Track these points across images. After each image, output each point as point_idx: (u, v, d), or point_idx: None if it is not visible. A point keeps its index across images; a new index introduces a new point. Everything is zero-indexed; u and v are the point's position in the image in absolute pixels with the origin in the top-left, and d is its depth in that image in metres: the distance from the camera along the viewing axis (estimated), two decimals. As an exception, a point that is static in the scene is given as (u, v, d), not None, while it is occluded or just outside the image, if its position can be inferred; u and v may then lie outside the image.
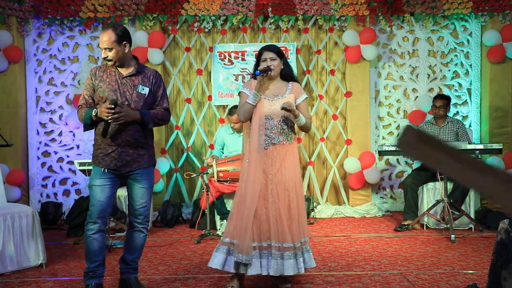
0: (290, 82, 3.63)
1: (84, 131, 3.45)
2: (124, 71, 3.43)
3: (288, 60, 3.76)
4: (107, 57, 3.35)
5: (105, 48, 3.34)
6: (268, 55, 3.54)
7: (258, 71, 3.45)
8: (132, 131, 3.37)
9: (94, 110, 3.31)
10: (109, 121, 3.25)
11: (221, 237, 3.57)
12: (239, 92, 3.67)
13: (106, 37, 3.32)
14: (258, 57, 3.60)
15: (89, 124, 3.37)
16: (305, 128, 3.62)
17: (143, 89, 3.42)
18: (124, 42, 3.37)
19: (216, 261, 3.48)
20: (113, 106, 3.21)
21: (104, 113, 3.22)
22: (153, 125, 3.45)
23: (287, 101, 3.46)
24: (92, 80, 3.43)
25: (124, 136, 3.36)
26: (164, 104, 3.52)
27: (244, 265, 3.41)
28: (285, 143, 3.51)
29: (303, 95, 3.61)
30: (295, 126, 3.63)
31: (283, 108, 3.40)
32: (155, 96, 3.50)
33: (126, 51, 3.40)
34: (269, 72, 3.49)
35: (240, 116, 3.58)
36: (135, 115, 3.34)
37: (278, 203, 3.44)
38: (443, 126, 5.70)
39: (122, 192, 5.35)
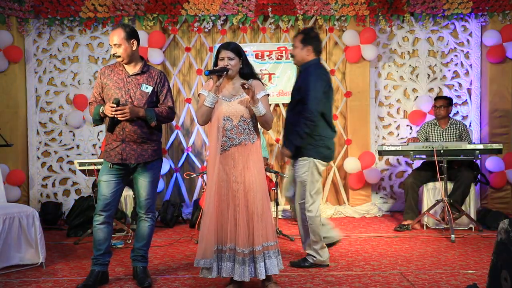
0: (250, 80, 3.42)
1: (93, 126, 3.74)
2: (131, 70, 3.66)
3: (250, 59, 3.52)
4: (116, 53, 3.58)
5: (115, 45, 3.58)
6: (225, 54, 3.38)
7: (207, 71, 3.32)
8: (136, 127, 3.58)
9: (102, 107, 3.56)
10: (114, 118, 3.49)
11: None
12: (199, 94, 3.49)
13: (116, 34, 3.58)
14: (216, 55, 3.43)
15: (98, 119, 3.63)
16: (266, 122, 3.42)
17: (147, 87, 3.63)
18: (132, 40, 3.62)
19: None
20: (115, 104, 3.45)
21: (108, 111, 3.48)
22: (156, 122, 3.61)
23: (248, 89, 3.27)
24: (100, 78, 3.68)
25: (128, 132, 3.58)
26: (168, 102, 3.71)
27: (207, 269, 3.35)
28: (247, 143, 3.38)
29: (262, 92, 3.42)
30: (258, 125, 3.49)
31: (242, 86, 3.26)
32: (159, 95, 3.69)
33: (134, 48, 3.63)
34: (224, 73, 3.33)
35: (198, 120, 3.44)
36: (138, 111, 3.55)
37: (241, 205, 3.33)
38: (446, 128, 5.69)
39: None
